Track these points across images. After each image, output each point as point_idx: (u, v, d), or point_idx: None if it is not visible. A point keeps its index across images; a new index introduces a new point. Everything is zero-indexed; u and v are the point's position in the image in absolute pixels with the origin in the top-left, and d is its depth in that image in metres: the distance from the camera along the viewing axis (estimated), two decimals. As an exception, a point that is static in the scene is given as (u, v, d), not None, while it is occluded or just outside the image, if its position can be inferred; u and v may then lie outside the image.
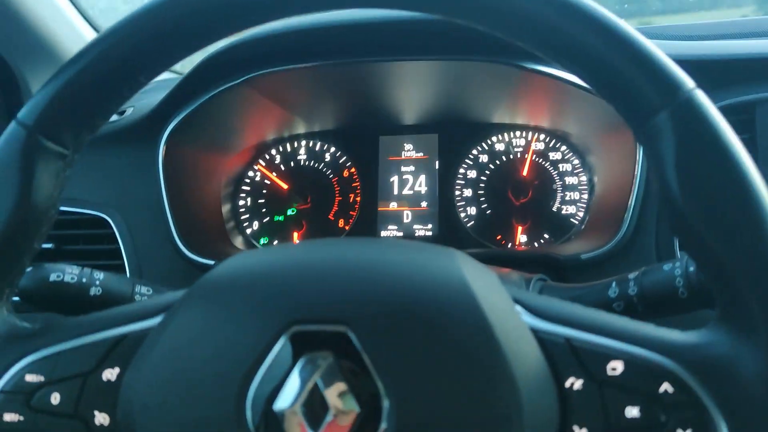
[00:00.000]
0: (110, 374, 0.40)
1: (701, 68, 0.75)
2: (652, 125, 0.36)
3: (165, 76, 1.32)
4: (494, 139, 1.03)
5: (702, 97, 0.36)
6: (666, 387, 0.35)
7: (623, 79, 0.37)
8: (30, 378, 0.41)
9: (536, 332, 0.37)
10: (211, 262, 0.88)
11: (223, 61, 0.87)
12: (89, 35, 0.96)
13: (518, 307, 0.38)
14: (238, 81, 0.87)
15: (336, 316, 0.36)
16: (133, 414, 0.37)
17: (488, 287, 0.37)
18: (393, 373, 0.34)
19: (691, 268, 0.51)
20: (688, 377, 0.35)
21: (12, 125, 0.43)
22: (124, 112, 1.02)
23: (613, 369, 0.35)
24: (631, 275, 0.55)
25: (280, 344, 0.36)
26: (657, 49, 0.37)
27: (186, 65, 0.94)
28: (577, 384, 0.36)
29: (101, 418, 0.40)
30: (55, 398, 0.40)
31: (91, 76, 0.43)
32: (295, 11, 0.42)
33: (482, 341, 0.35)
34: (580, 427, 0.35)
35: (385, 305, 0.36)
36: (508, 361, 0.34)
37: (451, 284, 0.37)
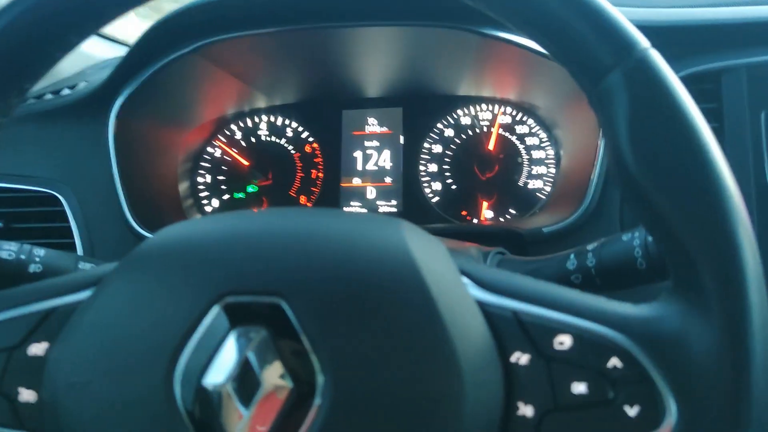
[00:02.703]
0: (37, 349, 0.37)
1: (664, 35, 0.73)
2: (603, 86, 0.34)
3: (122, 52, 1.27)
4: (460, 112, 1.01)
5: (656, 57, 0.34)
6: (614, 362, 0.33)
7: (574, 37, 0.35)
8: None
9: (482, 305, 0.35)
10: None
11: (172, 29, 0.82)
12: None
13: (465, 279, 0.36)
14: (187, 50, 0.83)
15: (269, 286, 0.33)
16: (58, 392, 0.35)
17: (433, 258, 0.35)
18: (329, 348, 0.32)
19: (650, 238, 0.50)
20: (637, 352, 0.33)
21: None
22: (75, 86, 0.98)
23: (561, 343, 0.34)
24: (590, 246, 0.53)
25: (212, 317, 0.33)
26: (610, 7, 0.35)
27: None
28: (524, 359, 0.34)
29: (27, 395, 0.37)
30: None
31: (15, 36, 0.39)
32: None
33: (423, 314, 0.33)
34: (526, 404, 0.34)
35: (322, 276, 0.33)
36: (450, 334, 0.32)
37: (392, 254, 0.34)
